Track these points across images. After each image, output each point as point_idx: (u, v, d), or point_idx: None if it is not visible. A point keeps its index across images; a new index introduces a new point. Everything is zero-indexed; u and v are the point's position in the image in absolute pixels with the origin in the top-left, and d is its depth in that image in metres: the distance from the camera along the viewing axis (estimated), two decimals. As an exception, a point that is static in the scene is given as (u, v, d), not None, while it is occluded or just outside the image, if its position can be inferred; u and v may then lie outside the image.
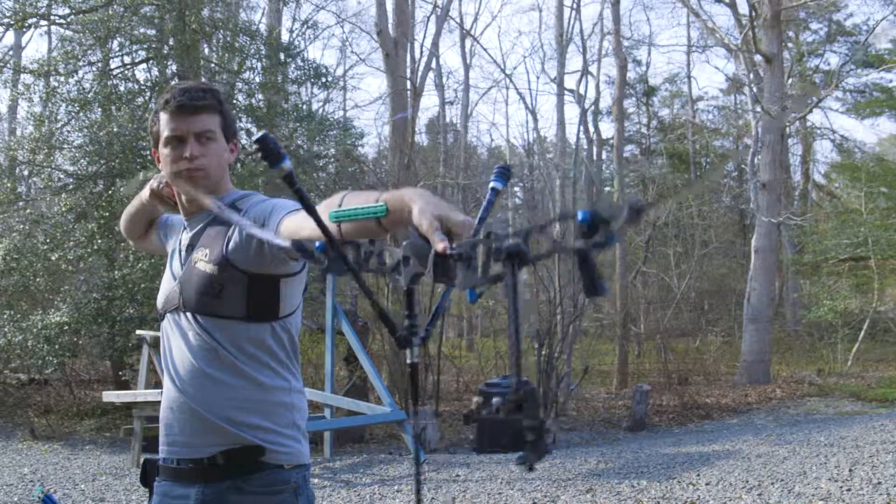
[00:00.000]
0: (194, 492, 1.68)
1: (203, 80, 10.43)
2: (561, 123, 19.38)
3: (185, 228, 1.82)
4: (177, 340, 1.72)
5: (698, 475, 5.88)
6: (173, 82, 10.55)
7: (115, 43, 10.26)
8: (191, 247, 1.75)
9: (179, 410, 1.70)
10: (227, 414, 1.67)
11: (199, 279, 1.67)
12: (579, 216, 0.74)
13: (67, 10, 10.21)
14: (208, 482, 1.67)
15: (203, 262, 1.68)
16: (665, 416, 10.32)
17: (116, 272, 8.93)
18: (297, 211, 1.46)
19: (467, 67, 31.35)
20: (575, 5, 20.22)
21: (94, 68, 10.15)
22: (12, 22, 11.01)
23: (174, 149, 1.70)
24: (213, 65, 10.85)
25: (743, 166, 20.72)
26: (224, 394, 1.67)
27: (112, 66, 10.42)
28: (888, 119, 24.73)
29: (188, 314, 1.68)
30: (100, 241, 9.04)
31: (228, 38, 10.61)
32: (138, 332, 8.03)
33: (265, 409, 1.69)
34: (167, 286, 1.78)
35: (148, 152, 9.29)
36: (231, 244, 1.65)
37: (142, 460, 1.71)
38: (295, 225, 1.42)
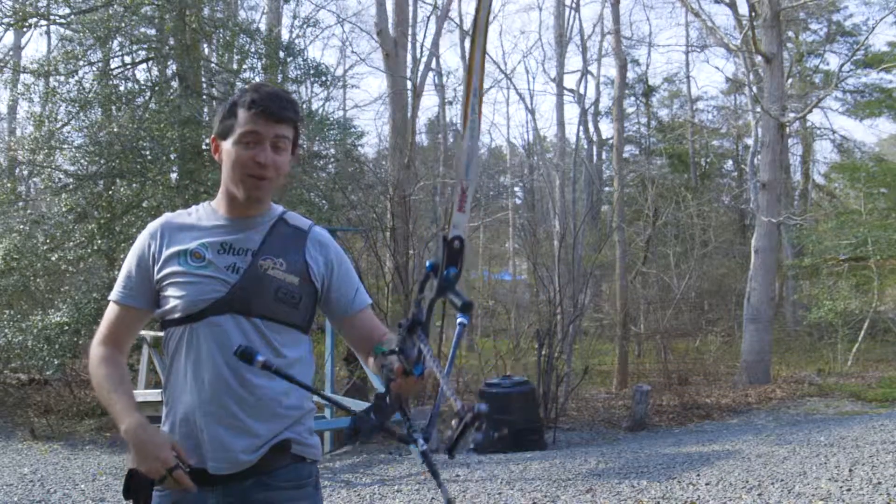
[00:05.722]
0: (211, 495, 1.64)
1: (203, 79, 10.43)
2: (561, 123, 19.38)
3: (224, 227, 1.75)
4: (224, 344, 1.64)
5: (698, 475, 5.87)
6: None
7: (115, 43, 10.23)
8: (246, 251, 1.71)
9: (211, 418, 1.64)
10: (273, 420, 1.67)
11: (279, 288, 1.68)
12: None
13: (67, 10, 10.19)
14: (228, 484, 1.64)
15: (279, 270, 1.70)
16: (665, 416, 10.32)
17: (116, 272, 8.89)
18: (369, 307, 1.84)
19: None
20: (575, 5, 20.23)
21: (94, 68, 10.12)
22: (12, 22, 10.99)
23: (248, 148, 1.69)
24: (213, 64, 10.84)
25: (743, 166, 20.72)
26: (277, 401, 1.67)
27: (112, 66, 10.40)
28: (888, 119, 24.79)
29: (253, 318, 1.66)
30: (100, 241, 9.02)
31: (228, 38, 10.56)
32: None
33: (303, 416, 1.75)
34: (205, 286, 1.67)
35: (148, 153, 9.28)
36: (312, 269, 1.74)
37: (127, 470, 1.67)
38: (367, 328, 1.82)
